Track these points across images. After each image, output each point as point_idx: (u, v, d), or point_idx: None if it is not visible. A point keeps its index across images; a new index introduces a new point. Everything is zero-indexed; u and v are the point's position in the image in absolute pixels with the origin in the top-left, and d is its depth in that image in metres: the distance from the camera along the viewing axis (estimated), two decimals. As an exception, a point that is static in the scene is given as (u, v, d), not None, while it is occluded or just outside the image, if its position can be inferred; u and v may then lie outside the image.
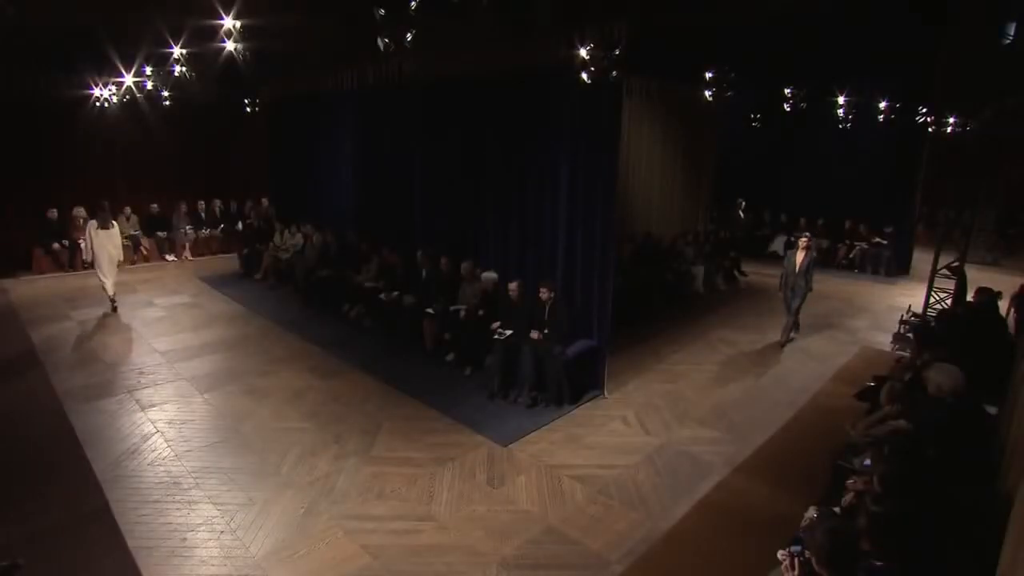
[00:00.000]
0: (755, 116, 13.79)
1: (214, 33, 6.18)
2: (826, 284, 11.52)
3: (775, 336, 8.08)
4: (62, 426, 5.36)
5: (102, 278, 8.89)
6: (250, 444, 5.16)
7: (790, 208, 13.93)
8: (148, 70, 9.11)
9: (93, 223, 8.92)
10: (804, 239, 7.85)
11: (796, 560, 2.60)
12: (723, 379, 6.82)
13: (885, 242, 12.37)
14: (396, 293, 7.97)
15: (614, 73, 5.55)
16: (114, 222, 9.16)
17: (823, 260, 13.02)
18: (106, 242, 8.90)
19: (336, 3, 6.45)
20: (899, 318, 8.15)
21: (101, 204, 9.19)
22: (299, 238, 10.72)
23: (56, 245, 10.96)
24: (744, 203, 13.99)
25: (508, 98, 6.95)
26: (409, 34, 4.65)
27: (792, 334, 8.07)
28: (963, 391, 3.96)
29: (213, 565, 3.71)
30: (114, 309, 8.97)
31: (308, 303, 9.37)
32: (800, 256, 7.75)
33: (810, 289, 7.82)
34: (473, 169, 7.60)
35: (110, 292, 8.94)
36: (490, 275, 7.05)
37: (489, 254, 7.50)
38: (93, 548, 3.83)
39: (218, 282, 10.70)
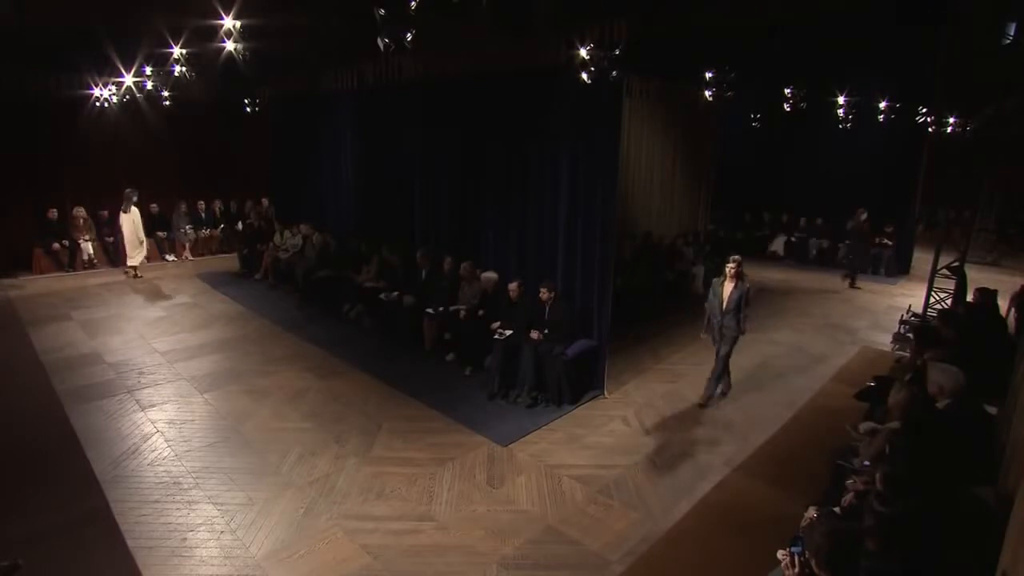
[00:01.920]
0: (755, 116, 13.79)
1: (214, 33, 6.17)
2: (826, 284, 11.55)
3: (775, 336, 8.05)
4: (62, 426, 5.36)
5: (128, 255, 10.71)
6: (250, 444, 5.16)
7: (790, 208, 13.93)
8: (148, 70, 9.09)
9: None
10: (731, 265, 5.75)
11: (796, 559, 2.60)
12: (723, 379, 6.81)
13: (890, 243, 12.37)
14: (396, 293, 7.97)
15: (614, 73, 5.55)
16: (134, 207, 10.78)
17: (823, 260, 13.05)
18: (126, 223, 10.66)
19: (336, 3, 6.45)
20: (899, 318, 8.15)
21: (123, 191, 10.78)
22: (299, 238, 10.71)
23: (56, 245, 10.94)
24: (866, 213, 11.58)
25: (508, 98, 6.95)
26: (409, 34, 4.65)
27: (720, 388, 6.19)
28: (963, 391, 3.95)
29: (213, 565, 3.71)
30: (136, 275, 10.74)
31: (308, 303, 9.37)
32: (727, 288, 5.77)
33: (742, 332, 5.86)
34: (473, 169, 7.60)
35: (136, 263, 10.76)
36: (490, 275, 7.05)
37: (489, 254, 7.50)
38: (93, 548, 3.83)
39: (218, 282, 10.70)
